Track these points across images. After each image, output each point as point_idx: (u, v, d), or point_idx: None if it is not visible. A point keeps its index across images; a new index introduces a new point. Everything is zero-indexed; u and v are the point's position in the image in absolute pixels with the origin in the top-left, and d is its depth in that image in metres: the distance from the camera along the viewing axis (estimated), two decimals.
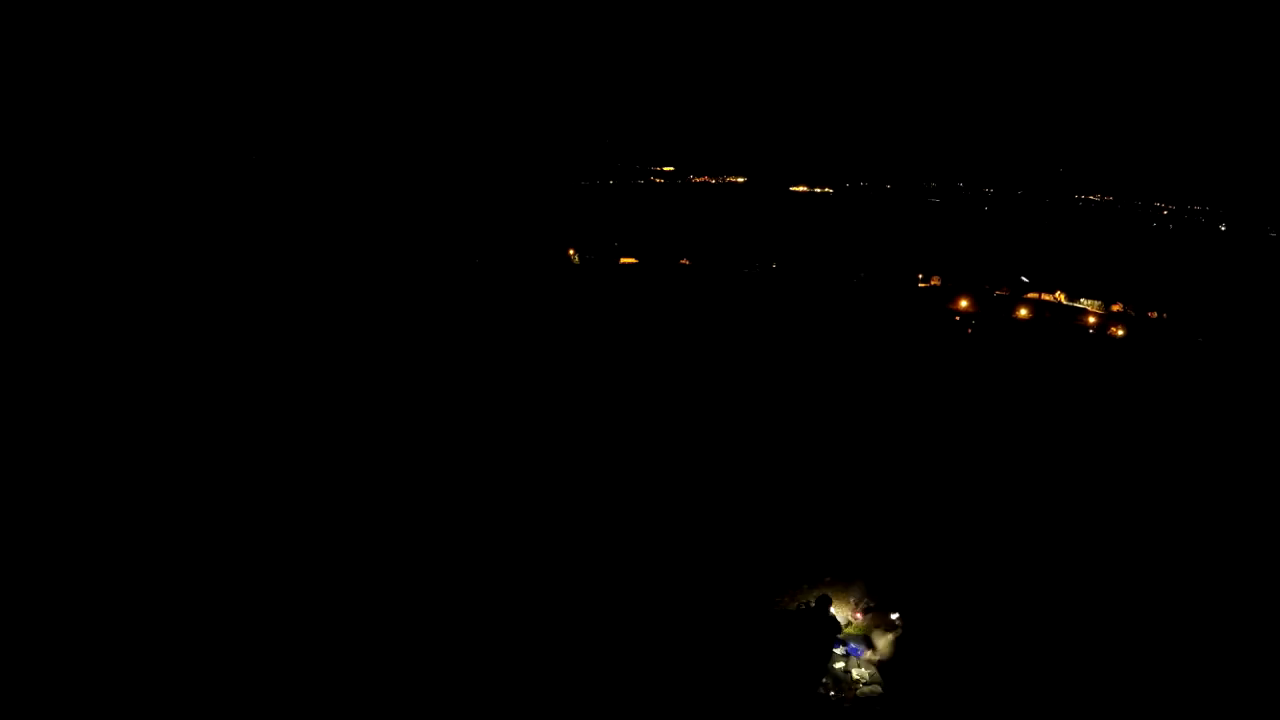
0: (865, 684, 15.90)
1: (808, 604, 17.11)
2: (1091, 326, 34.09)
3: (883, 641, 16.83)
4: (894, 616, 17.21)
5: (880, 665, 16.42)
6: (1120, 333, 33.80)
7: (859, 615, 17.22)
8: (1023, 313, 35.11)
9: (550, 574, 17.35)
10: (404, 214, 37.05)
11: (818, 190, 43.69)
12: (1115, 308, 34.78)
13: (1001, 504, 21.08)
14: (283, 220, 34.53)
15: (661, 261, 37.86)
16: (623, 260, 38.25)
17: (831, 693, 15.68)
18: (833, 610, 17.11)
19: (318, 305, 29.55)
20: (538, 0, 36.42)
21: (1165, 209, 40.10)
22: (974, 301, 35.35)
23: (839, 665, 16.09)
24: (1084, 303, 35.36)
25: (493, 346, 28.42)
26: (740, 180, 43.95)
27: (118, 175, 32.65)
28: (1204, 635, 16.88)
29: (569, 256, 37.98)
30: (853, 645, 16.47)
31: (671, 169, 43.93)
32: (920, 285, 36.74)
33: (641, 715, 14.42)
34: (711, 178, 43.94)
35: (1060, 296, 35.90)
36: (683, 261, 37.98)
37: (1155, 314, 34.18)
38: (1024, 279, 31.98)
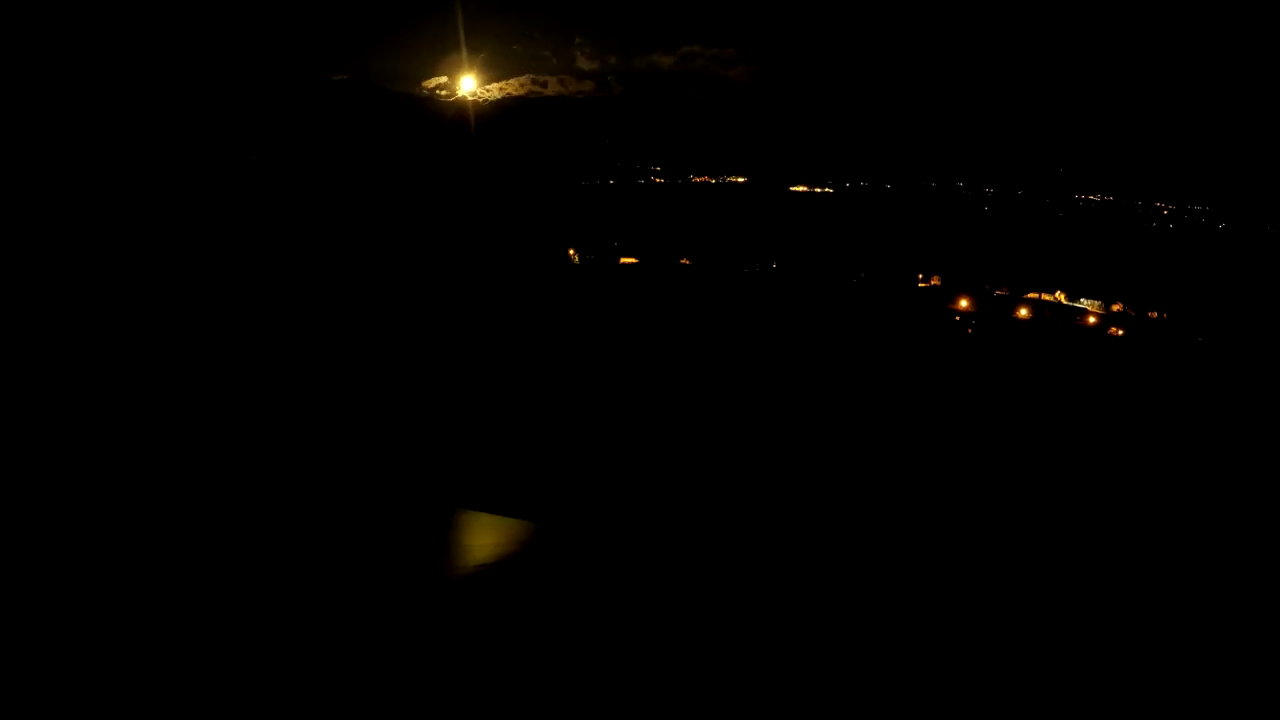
0: None
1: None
2: (1091, 326, 34.07)
3: None
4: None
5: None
6: (1120, 333, 33.74)
7: None
8: (1023, 313, 35.06)
9: (547, 573, 17.38)
10: (403, 213, 37.03)
11: (818, 190, 43.66)
12: (1115, 308, 34.70)
13: (1000, 504, 21.09)
14: (280, 220, 34.51)
15: (661, 261, 37.81)
16: (623, 260, 38.19)
17: None
18: None
19: (315, 305, 29.54)
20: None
21: (1165, 209, 40.07)
22: (974, 301, 35.31)
23: None
24: (1084, 303, 35.28)
25: (493, 346, 28.40)
26: (740, 180, 43.93)
27: (117, 173, 32.68)
28: (1201, 637, 16.90)
29: (569, 256, 37.94)
30: None
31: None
32: (920, 285, 36.69)
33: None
34: (711, 178, 43.90)
35: (1060, 296, 35.83)
36: (683, 261, 37.92)
37: (1155, 314, 34.12)
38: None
